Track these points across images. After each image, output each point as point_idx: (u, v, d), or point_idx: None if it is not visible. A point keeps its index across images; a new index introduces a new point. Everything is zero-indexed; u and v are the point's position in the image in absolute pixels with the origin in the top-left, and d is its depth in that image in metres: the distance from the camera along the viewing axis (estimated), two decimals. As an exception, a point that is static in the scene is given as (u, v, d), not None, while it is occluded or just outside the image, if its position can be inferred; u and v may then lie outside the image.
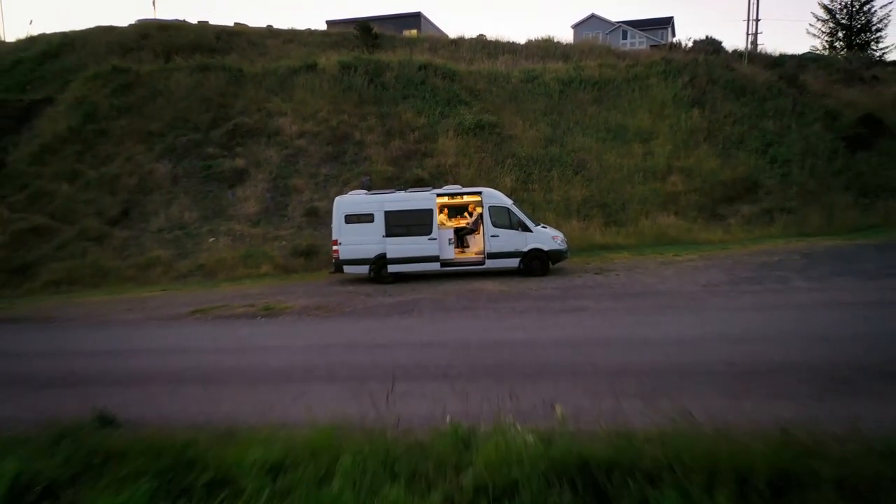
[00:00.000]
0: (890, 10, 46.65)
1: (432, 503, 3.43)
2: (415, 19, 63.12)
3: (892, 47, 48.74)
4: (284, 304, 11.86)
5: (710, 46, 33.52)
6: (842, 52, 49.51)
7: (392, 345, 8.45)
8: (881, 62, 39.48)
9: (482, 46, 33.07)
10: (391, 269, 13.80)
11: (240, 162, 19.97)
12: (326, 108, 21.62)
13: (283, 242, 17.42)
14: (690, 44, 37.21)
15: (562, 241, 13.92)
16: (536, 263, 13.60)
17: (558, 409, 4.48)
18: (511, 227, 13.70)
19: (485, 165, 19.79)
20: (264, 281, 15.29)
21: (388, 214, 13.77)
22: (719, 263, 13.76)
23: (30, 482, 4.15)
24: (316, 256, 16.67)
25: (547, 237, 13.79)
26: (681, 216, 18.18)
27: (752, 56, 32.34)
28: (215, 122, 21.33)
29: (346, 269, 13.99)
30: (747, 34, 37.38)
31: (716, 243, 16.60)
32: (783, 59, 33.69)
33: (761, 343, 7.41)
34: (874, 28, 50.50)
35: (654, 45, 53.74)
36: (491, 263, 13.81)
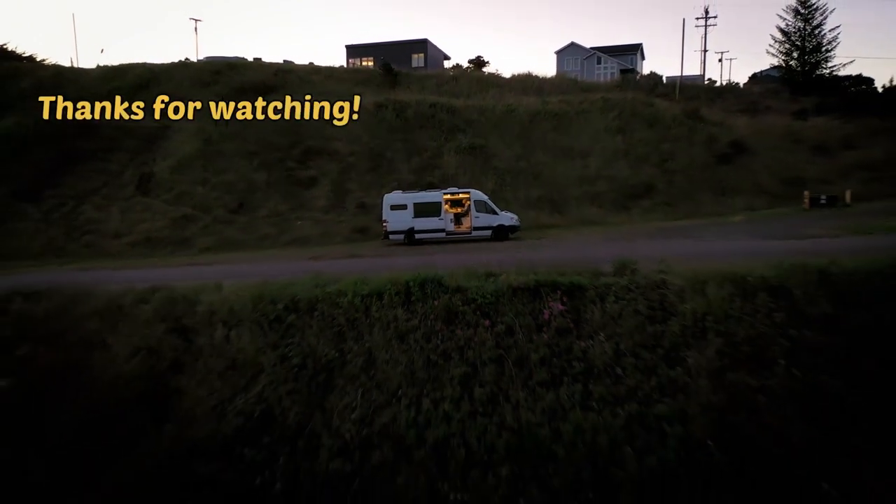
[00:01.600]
0: (838, 33, 56.67)
1: (444, 275, 13.47)
2: (422, 45, 72.69)
3: (839, 66, 58.61)
4: (362, 253, 21.77)
5: (651, 81, 43.55)
6: (797, 69, 59.90)
7: (425, 262, 18.38)
8: (799, 86, 49.30)
9: (476, 81, 43.09)
10: (417, 236, 23.72)
11: (311, 172, 29.96)
12: (367, 135, 31.62)
13: (346, 224, 27.35)
14: (638, 77, 47.30)
15: (516, 220, 23.83)
16: (500, 233, 23.50)
17: (485, 260, 14.51)
18: (487, 212, 23.60)
19: (475, 175, 29.68)
20: (340, 247, 25.19)
21: (415, 205, 23.68)
22: (609, 234, 23.61)
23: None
24: (367, 232, 26.58)
25: (507, 218, 23.70)
26: (601, 208, 28.07)
27: (682, 87, 42.36)
28: (292, 144, 31.34)
29: (391, 237, 23.91)
30: (681, 71, 47.26)
31: (618, 224, 26.46)
32: (702, 89, 43.61)
33: (588, 256, 17.24)
34: (824, 49, 60.84)
35: (624, 70, 63.56)
36: (475, 234, 23.71)
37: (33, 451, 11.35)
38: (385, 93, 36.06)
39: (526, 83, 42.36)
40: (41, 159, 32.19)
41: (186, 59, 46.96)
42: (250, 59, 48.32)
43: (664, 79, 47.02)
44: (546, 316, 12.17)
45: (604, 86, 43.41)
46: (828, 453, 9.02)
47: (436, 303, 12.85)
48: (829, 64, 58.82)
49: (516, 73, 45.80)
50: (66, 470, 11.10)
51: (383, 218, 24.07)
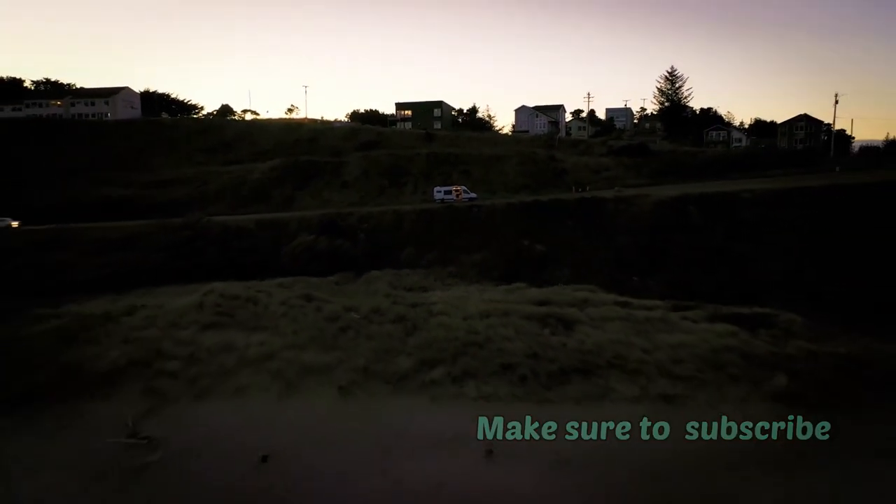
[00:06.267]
0: (691, 91, 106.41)
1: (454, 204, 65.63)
2: (439, 103, 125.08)
3: (692, 109, 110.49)
4: (429, 204, 72.82)
5: (548, 136, 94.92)
6: (668, 112, 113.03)
7: (447, 206, 69.45)
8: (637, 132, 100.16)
9: (469, 139, 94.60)
10: (444, 201, 74.61)
11: (404, 180, 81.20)
12: (425, 167, 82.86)
13: (418, 198, 78.36)
14: (557, 126, 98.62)
15: (476, 196, 74.81)
16: (472, 201, 74.26)
17: (462, 205, 66.34)
18: (467, 193, 74.68)
19: (465, 182, 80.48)
20: (419, 204, 75.90)
21: (443, 190, 74.71)
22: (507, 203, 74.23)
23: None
24: (426, 201, 77.51)
25: (474, 195, 74.67)
26: (507, 192, 78.84)
27: (563, 139, 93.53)
28: (395, 169, 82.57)
29: (436, 201, 74.81)
30: (560, 128, 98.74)
31: (513, 198, 77.04)
32: (574, 140, 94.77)
33: (486, 203, 68.14)
34: (681, 101, 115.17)
35: (551, 121, 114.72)
36: (463, 200, 74.73)
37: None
38: (429, 147, 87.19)
39: (494, 139, 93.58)
40: (295, 177, 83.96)
41: (336, 119, 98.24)
42: (361, 123, 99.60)
43: (562, 133, 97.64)
44: (474, 211, 63.28)
45: (526, 139, 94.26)
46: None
47: (448, 208, 63.63)
48: (687, 110, 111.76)
49: (493, 127, 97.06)
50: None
51: (434, 195, 75.04)
